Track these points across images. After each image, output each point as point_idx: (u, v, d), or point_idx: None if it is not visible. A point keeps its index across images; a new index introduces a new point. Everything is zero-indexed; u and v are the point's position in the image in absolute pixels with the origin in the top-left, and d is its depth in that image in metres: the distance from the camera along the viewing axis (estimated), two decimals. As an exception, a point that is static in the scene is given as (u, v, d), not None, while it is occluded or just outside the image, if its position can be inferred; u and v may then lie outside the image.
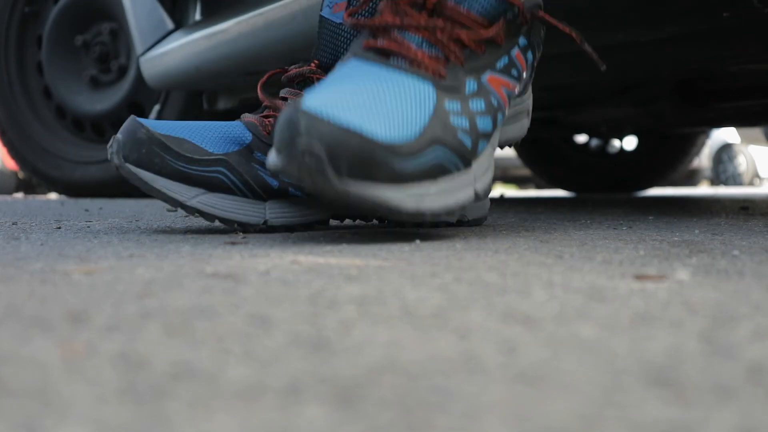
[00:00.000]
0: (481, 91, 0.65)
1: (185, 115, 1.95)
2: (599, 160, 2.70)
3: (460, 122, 0.62)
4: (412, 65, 0.62)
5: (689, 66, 1.34)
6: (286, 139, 0.55)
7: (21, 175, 5.80)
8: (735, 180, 7.42)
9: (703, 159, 6.73)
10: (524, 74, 0.71)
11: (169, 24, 1.71)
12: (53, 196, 3.27)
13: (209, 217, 0.73)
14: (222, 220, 0.73)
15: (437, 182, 0.60)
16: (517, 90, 0.70)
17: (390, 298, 0.36)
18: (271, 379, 0.24)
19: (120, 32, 2.08)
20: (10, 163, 5.82)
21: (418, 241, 0.64)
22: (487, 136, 0.65)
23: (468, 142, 0.63)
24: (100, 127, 2.10)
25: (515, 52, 0.69)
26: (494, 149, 0.69)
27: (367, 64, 0.63)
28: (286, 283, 0.41)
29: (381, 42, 0.64)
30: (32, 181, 2.27)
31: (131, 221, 0.94)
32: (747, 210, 1.24)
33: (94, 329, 0.30)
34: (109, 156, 0.72)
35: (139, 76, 1.95)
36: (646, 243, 0.62)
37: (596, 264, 0.48)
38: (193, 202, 0.72)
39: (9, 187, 6.12)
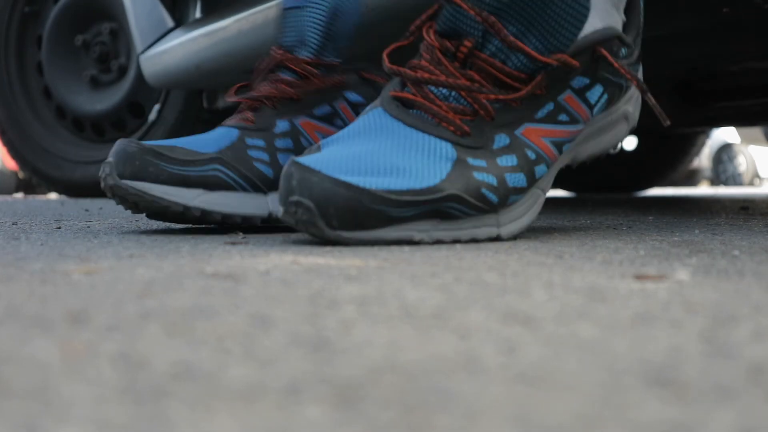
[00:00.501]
0: (513, 146, 0.63)
1: (185, 114, 1.95)
2: (599, 160, 2.70)
3: (485, 178, 0.61)
4: (434, 119, 0.62)
5: (688, 65, 1.34)
6: (282, 192, 0.59)
7: (21, 175, 5.80)
8: (735, 180, 7.42)
9: (703, 159, 6.74)
10: (584, 113, 0.66)
11: (169, 22, 1.71)
12: (53, 196, 3.27)
13: (214, 215, 0.72)
14: (226, 216, 0.73)
15: (442, 223, 0.61)
16: (570, 135, 0.66)
17: (390, 298, 0.36)
18: (271, 379, 0.24)
19: (120, 32, 2.08)
20: (10, 163, 5.82)
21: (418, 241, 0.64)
22: (521, 190, 0.63)
23: (493, 197, 0.62)
24: (100, 127, 2.10)
25: (565, 96, 0.64)
26: (541, 194, 0.67)
27: (387, 118, 0.63)
28: (286, 283, 0.41)
29: (408, 91, 0.64)
30: (32, 181, 2.27)
31: (131, 221, 0.94)
32: (747, 210, 1.24)
33: (94, 329, 0.30)
34: (102, 183, 0.72)
35: (139, 76, 1.95)
36: (646, 243, 0.62)
37: (596, 264, 0.48)
38: (195, 203, 0.72)
39: (9, 187, 6.12)
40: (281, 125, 0.78)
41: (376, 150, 0.60)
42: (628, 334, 0.29)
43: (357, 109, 0.81)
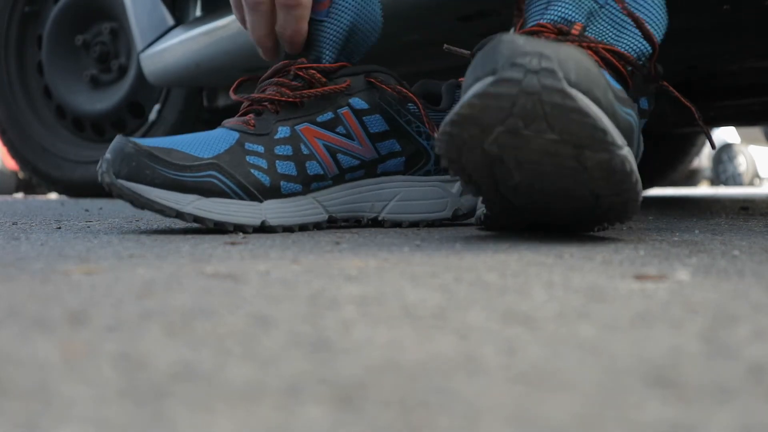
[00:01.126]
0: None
1: (186, 113, 1.95)
2: None
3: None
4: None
5: (688, 63, 1.34)
6: (504, 56, 0.53)
7: (21, 175, 5.80)
8: (735, 180, 7.42)
9: (703, 159, 6.73)
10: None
11: (170, 20, 1.71)
12: (53, 196, 3.27)
13: (206, 221, 0.72)
14: (218, 223, 0.72)
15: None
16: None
17: (390, 298, 0.36)
18: (271, 379, 0.24)
19: (120, 32, 2.08)
20: (10, 163, 5.82)
21: (418, 241, 0.64)
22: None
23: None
24: (101, 127, 2.10)
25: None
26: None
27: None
28: (286, 283, 0.41)
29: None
30: (32, 181, 2.27)
31: (131, 221, 0.94)
32: (747, 210, 1.24)
33: (94, 329, 0.30)
34: (99, 177, 0.71)
35: (139, 76, 1.95)
36: (646, 243, 0.62)
37: (596, 264, 0.48)
38: (188, 209, 0.71)
39: (9, 187, 6.12)
40: (282, 131, 0.77)
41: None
42: (628, 334, 0.29)
43: (360, 115, 0.79)
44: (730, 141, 7.42)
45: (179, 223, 0.87)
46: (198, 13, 1.68)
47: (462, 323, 0.31)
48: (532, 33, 0.67)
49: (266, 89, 0.79)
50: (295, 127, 0.77)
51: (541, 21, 0.67)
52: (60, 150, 2.15)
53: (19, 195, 4.83)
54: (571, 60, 0.53)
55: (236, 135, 0.75)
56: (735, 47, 1.21)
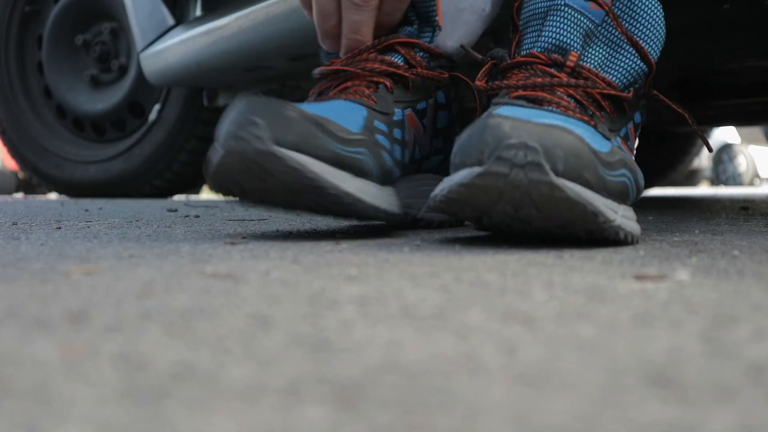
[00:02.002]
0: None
1: (186, 113, 1.95)
2: None
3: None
4: (566, 113, 0.63)
5: (687, 62, 1.34)
6: (490, 145, 0.53)
7: (21, 175, 5.80)
8: (735, 180, 7.42)
9: (703, 159, 6.73)
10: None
11: (170, 20, 1.71)
12: (53, 196, 3.27)
13: (362, 206, 0.62)
14: (375, 209, 0.63)
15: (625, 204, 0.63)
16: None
17: (390, 298, 0.36)
18: (271, 379, 0.24)
19: (120, 32, 2.08)
20: (11, 163, 5.83)
21: (418, 242, 0.64)
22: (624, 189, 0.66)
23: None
24: (101, 127, 2.10)
25: (631, 125, 0.69)
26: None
27: (524, 109, 0.61)
28: (286, 283, 0.41)
29: (532, 92, 0.64)
30: (32, 181, 2.27)
31: (131, 221, 0.94)
32: (747, 210, 1.24)
33: (94, 329, 0.30)
34: (232, 143, 0.57)
35: (139, 76, 1.96)
36: (646, 243, 0.62)
37: (596, 264, 0.48)
38: (350, 188, 0.61)
39: (9, 187, 6.12)
40: (398, 113, 0.70)
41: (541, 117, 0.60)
42: (628, 334, 0.29)
43: (437, 110, 0.75)
44: (730, 141, 7.42)
45: (179, 223, 0.87)
46: (198, 12, 1.69)
47: (462, 323, 0.31)
48: (524, 63, 0.66)
49: (366, 64, 0.71)
50: (404, 110, 0.71)
51: (534, 50, 0.66)
52: (60, 150, 2.15)
53: (19, 195, 4.83)
54: (558, 149, 0.53)
55: (364, 110, 0.67)
56: (734, 46, 1.21)
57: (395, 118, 0.69)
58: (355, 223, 0.82)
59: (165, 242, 0.64)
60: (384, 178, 0.67)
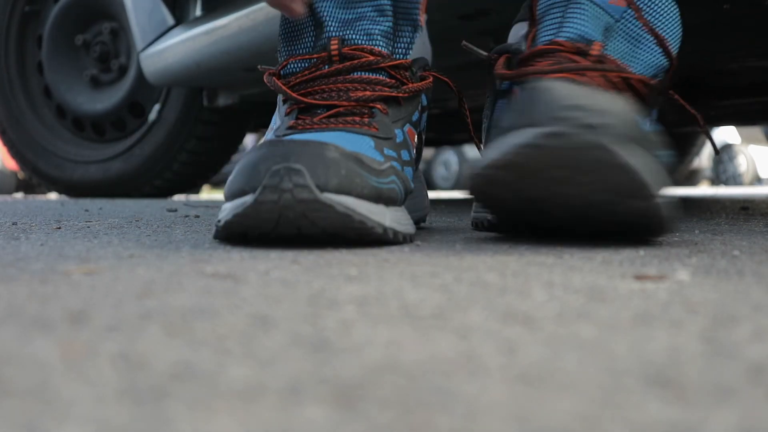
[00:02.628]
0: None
1: (186, 114, 1.95)
2: None
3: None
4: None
5: (688, 62, 1.34)
6: (549, 107, 0.53)
7: (21, 175, 5.80)
8: (735, 180, 7.42)
9: (703, 159, 6.73)
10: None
11: (170, 20, 1.71)
12: (53, 196, 3.27)
13: (401, 236, 0.61)
14: (405, 237, 0.62)
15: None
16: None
17: (390, 298, 0.36)
18: (271, 379, 0.24)
19: (120, 32, 2.08)
20: (11, 163, 5.83)
21: (418, 241, 0.64)
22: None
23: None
24: (101, 127, 2.10)
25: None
26: None
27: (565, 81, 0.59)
28: (286, 283, 0.41)
29: (561, 75, 0.63)
30: (32, 181, 2.27)
31: (131, 221, 0.94)
32: (747, 210, 1.24)
33: (94, 329, 0.30)
34: (278, 195, 0.54)
35: (139, 76, 1.96)
36: (646, 243, 0.62)
37: (596, 264, 0.48)
38: (389, 223, 0.60)
39: (9, 187, 6.12)
40: (398, 134, 0.67)
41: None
42: (628, 334, 0.29)
43: (423, 113, 0.73)
44: (730, 141, 7.42)
45: (179, 223, 0.87)
46: (198, 12, 1.69)
47: (462, 323, 0.31)
48: (547, 51, 0.66)
49: (349, 88, 0.66)
50: (403, 128, 0.69)
51: (557, 38, 0.66)
52: (60, 150, 2.15)
53: (19, 195, 4.83)
54: (613, 115, 0.53)
55: (370, 140, 0.64)
56: (734, 46, 1.21)
57: (398, 140, 0.67)
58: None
59: (165, 242, 0.64)
60: (405, 201, 0.66)
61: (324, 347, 0.27)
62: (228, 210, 0.59)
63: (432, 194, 2.18)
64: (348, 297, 0.37)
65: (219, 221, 0.61)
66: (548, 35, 0.68)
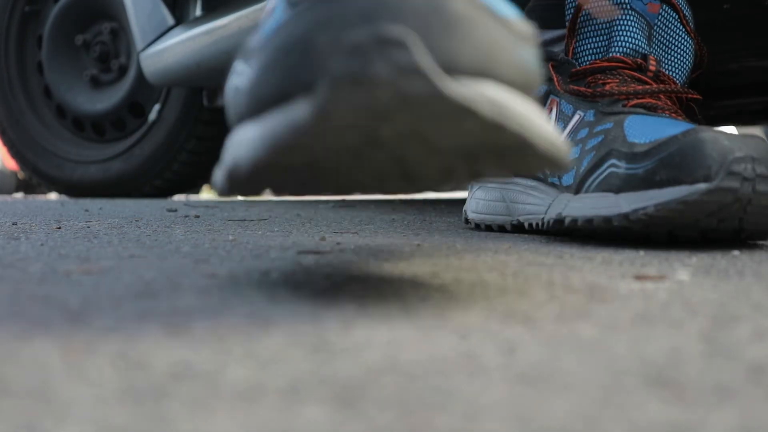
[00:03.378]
0: None
1: (186, 114, 1.95)
2: None
3: None
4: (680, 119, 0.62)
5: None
6: (716, 161, 0.54)
7: (21, 175, 5.79)
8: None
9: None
10: None
11: (170, 20, 1.71)
12: (53, 196, 3.27)
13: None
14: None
15: None
16: None
17: (390, 298, 0.36)
18: (271, 379, 0.24)
19: (120, 32, 2.08)
20: (10, 164, 5.83)
21: (418, 242, 0.64)
22: None
23: None
24: (101, 127, 2.10)
25: None
26: None
27: (657, 118, 0.61)
28: (287, 283, 0.41)
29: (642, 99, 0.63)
30: (32, 181, 2.27)
31: (131, 221, 0.94)
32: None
33: (94, 329, 0.30)
34: (349, 91, 0.27)
35: (139, 76, 1.95)
36: (646, 243, 0.62)
37: (596, 264, 0.48)
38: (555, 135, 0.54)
39: (9, 188, 6.12)
40: None
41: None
42: (628, 334, 0.29)
43: None
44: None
45: (179, 223, 0.87)
46: (198, 12, 1.69)
47: (462, 323, 0.31)
48: (609, 68, 0.65)
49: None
50: None
51: (614, 54, 0.66)
52: (60, 150, 2.15)
53: (19, 195, 4.83)
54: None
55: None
56: (734, 46, 1.21)
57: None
58: (355, 224, 0.82)
59: (165, 242, 0.64)
60: None
61: (324, 347, 0.27)
62: (251, 141, 0.32)
63: (431, 194, 2.18)
64: (348, 297, 0.37)
65: (233, 165, 0.33)
66: (597, 48, 0.67)
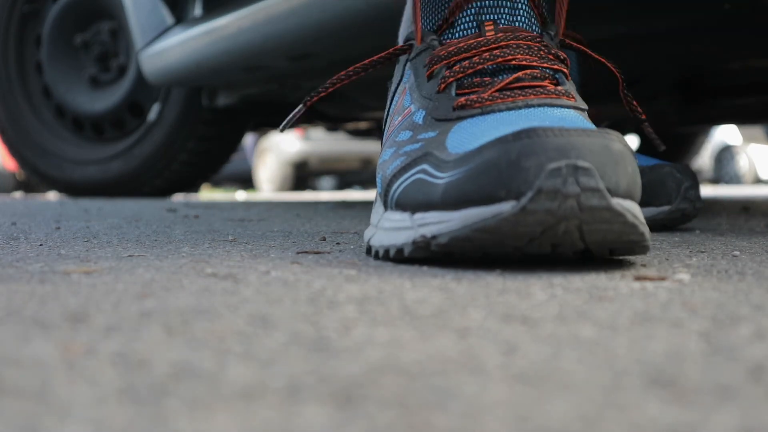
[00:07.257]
0: None
1: (186, 113, 1.95)
2: None
3: None
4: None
5: (689, 61, 1.34)
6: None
7: (20, 175, 5.80)
8: (736, 181, 7.42)
9: (704, 159, 6.73)
10: None
11: (169, 19, 1.71)
12: (53, 196, 3.27)
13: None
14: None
15: None
16: None
17: (390, 298, 0.36)
18: (271, 379, 0.24)
19: (119, 31, 2.08)
20: (9, 164, 5.83)
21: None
22: None
23: None
24: (100, 127, 2.10)
25: None
26: None
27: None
28: (286, 283, 0.41)
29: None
30: (31, 181, 2.27)
31: (131, 221, 0.94)
32: (748, 210, 1.24)
33: (94, 329, 0.30)
34: (550, 199, 0.41)
35: (138, 76, 1.95)
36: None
37: (596, 264, 0.48)
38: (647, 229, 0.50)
39: (7, 188, 6.12)
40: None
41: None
42: (628, 334, 0.29)
43: None
44: (731, 142, 7.42)
45: (179, 223, 0.87)
46: (198, 12, 1.69)
47: (462, 323, 0.31)
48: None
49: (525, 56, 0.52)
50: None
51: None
52: (59, 150, 2.15)
53: (18, 195, 4.83)
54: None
55: (581, 116, 0.50)
56: (734, 46, 1.21)
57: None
58: (355, 224, 0.82)
59: (165, 242, 0.64)
60: None
61: (324, 347, 0.27)
62: (454, 223, 0.44)
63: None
64: (348, 297, 0.37)
65: (432, 237, 0.45)
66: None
